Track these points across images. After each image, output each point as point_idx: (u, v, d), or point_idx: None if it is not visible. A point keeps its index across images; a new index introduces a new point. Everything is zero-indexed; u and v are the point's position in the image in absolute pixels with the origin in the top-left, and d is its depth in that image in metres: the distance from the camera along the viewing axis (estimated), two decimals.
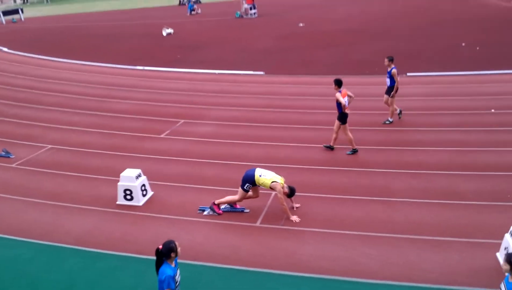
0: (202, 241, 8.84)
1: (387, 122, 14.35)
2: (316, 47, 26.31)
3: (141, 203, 10.26)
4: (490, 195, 9.96)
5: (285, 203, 9.28)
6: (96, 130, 14.94)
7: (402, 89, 17.85)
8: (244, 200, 9.71)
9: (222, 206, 9.85)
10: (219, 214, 9.73)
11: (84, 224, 9.58)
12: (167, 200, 10.43)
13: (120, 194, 10.29)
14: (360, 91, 17.99)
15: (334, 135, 12.47)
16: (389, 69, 13.88)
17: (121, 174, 10.33)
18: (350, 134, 12.25)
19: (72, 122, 15.76)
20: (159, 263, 5.99)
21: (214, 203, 9.79)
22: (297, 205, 9.88)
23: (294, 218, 9.37)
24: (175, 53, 26.39)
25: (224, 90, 19.10)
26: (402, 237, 8.69)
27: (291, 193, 9.47)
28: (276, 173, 9.57)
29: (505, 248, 7.69)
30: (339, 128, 12.29)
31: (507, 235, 7.72)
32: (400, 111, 14.59)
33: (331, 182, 10.90)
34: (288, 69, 22.05)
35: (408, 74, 19.90)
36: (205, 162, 12.31)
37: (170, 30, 34.09)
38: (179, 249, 6.03)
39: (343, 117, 12.07)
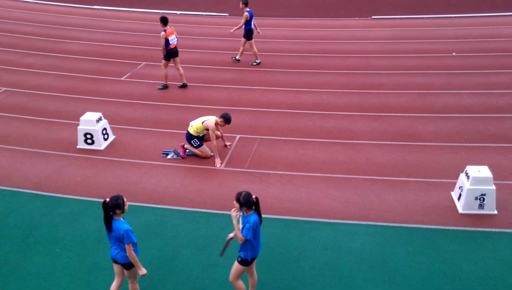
0: (166, 185, 8.81)
1: (254, 63, 14.81)
2: None
3: (102, 147, 10.05)
4: (447, 136, 10.26)
5: (215, 142, 9.32)
6: (52, 72, 14.30)
7: (367, 32, 17.84)
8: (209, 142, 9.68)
9: (187, 150, 9.79)
10: (183, 157, 9.67)
11: (43, 168, 9.34)
12: (129, 144, 10.25)
13: (81, 138, 10.02)
14: (325, 34, 17.84)
15: (179, 72, 13.00)
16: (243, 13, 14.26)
17: (81, 118, 10.02)
18: (166, 70, 12.86)
19: (26, 64, 15.00)
20: (107, 218, 5.61)
21: (182, 146, 9.72)
22: (229, 143, 10.04)
23: (218, 164, 9.39)
24: None
25: (186, 32, 18.48)
26: (363, 178, 8.91)
27: (227, 120, 9.43)
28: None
29: (459, 187, 8.02)
30: (173, 64, 12.90)
31: (462, 175, 8.02)
32: (258, 63, 14.76)
33: (295, 125, 10.95)
34: (252, 10, 21.45)
35: (373, 17, 19.77)
36: (168, 105, 12.08)
37: None
38: (126, 206, 5.71)
39: (167, 55, 12.55)
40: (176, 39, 12.52)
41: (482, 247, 7.13)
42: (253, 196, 5.80)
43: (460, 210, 7.89)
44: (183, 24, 19.63)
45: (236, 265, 6.01)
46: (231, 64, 14.87)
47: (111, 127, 10.48)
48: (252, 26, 14.40)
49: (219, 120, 9.44)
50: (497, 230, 7.49)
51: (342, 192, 8.50)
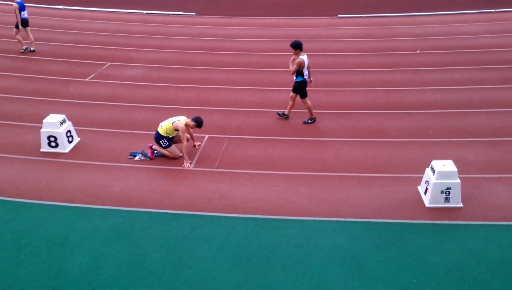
0: (134, 187, 8.66)
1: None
2: None
3: (67, 150, 9.80)
4: (413, 132, 10.46)
5: (185, 143, 9.24)
6: (14, 74, 13.88)
7: (333, 31, 18.04)
8: (178, 144, 9.58)
9: (155, 151, 9.65)
10: (151, 159, 9.53)
11: (5, 173, 9.04)
12: (95, 146, 10.04)
13: (44, 141, 9.75)
14: (292, 33, 17.93)
15: None
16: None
17: (44, 120, 9.75)
18: None
19: None
20: None
21: (150, 147, 9.57)
22: (198, 143, 9.98)
23: (187, 165, 9.31)
24: None
25: (153, 32, 18.28)
26: (332, 175, 8.99)
27: (199, 124, 9.36)
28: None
29: (426, 182, 8.18)
30: None
31: (427, 170, 8.18)
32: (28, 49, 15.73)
33: (264, 124, 10.95)
34: (220, 10, 21.41)
35: (339, 15, 20.00)
36: (135, 106, 11.89)
37: None
38: None
39: None
40: None
41: (449, 239, 7.28)
42: None
43: (426, 204, 8.04)
44: (150, 23, 19.40)
45: None
46: (199, 64, 14.77)
47: (75, 129, 10.24)
48: (26, 15, 15.54)
49: (191, 123, 9.34)
50: (463, 222, 7.66)
51: (311, 190, 8.55)
